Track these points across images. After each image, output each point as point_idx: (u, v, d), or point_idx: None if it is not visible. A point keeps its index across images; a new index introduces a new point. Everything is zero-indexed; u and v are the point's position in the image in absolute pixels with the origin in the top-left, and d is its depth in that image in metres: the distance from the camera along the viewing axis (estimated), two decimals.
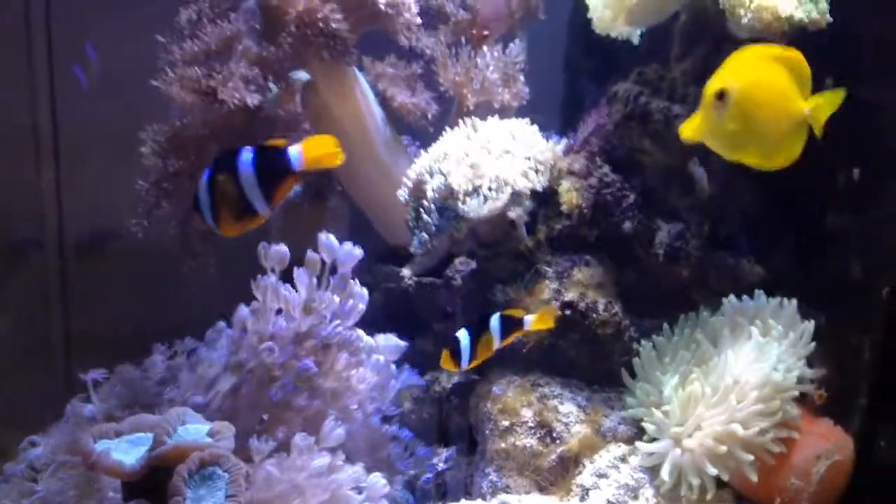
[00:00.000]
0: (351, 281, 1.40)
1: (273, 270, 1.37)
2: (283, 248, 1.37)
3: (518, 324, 1.33)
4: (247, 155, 1.12)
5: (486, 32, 1.73)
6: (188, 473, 1.13)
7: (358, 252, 1.40)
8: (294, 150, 1.13)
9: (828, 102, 1.25)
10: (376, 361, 1.44)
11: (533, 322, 1.33)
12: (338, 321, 1.38)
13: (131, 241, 1.89)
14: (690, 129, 1.26)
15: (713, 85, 1.24)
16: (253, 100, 1.53)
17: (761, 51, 1.27)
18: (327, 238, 1.39)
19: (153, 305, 1.93)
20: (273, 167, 1.13)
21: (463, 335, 1.30)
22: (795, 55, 1.26)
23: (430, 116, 1.74)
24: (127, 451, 1.17)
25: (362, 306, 1.41)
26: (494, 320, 1.31)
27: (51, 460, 1.27)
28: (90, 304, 1.94)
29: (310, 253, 1.39)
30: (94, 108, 1.91)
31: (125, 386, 1.47)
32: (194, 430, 1.21)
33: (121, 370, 1.50)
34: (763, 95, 1.24)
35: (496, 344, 1.32)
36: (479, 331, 1.31)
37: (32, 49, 1.90)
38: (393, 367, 1.48)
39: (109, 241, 1.98)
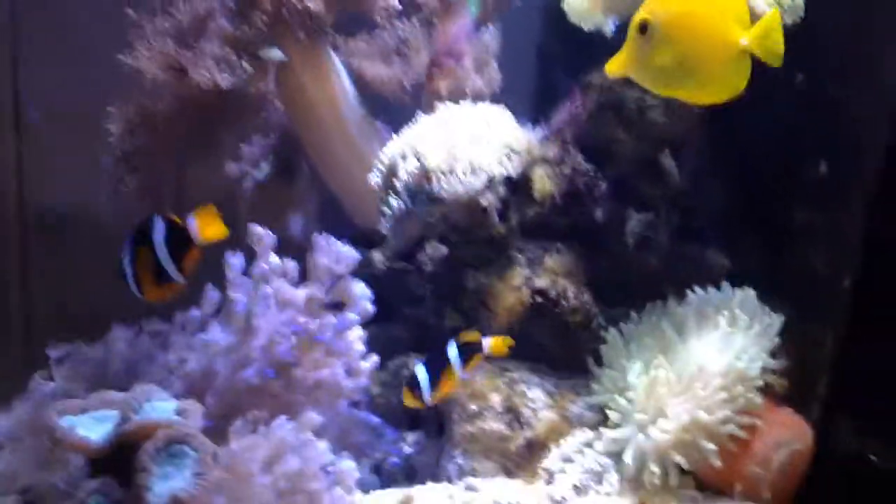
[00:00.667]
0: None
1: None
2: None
3: (477, 348, 1.30)
4: (159, 230, 1.22)
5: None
6: (155, 451, 1.12)
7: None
8: (192, 227, 1.22)
9: (765, 29, 1.18)
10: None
11: (491, 346, 1.31)
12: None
13: (95, 217, 1.86)
14: (616, 65, 1.21)
15: (637, 15, 1.19)
16: (224, 81, 1.51)
17: None
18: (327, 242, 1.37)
19: (117, 284, 1.90)
20: (180, 240, 1.22)
21: (421, 370, 1.27)
22: None
23: (406, 87, 1.72)
24: (92, 428, 1.15)
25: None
26: (452, 349, 1.28)
27: (13, 435, 1.24)
28: (51, 281, 1.91)
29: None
30: (59, 80, 1.88)
31: (88, 364, 1.45)
32: (161, 407, 1.20)
33: (84, 348, 1.47)
34: (691, 26, 1.18)
35: (459, 374, 1.29)
36: (437, 363, 1.27)
37: None
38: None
39: (72, 217, 1.94)
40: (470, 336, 1.31)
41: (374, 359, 1.40)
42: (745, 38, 1.17)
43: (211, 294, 1.41)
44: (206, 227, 1.22)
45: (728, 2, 1.19)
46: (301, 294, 1.34)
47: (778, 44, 1.19)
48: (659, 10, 1.18)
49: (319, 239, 1.36)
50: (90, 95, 1.84)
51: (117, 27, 1.61)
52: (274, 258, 1.35)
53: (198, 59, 1.49)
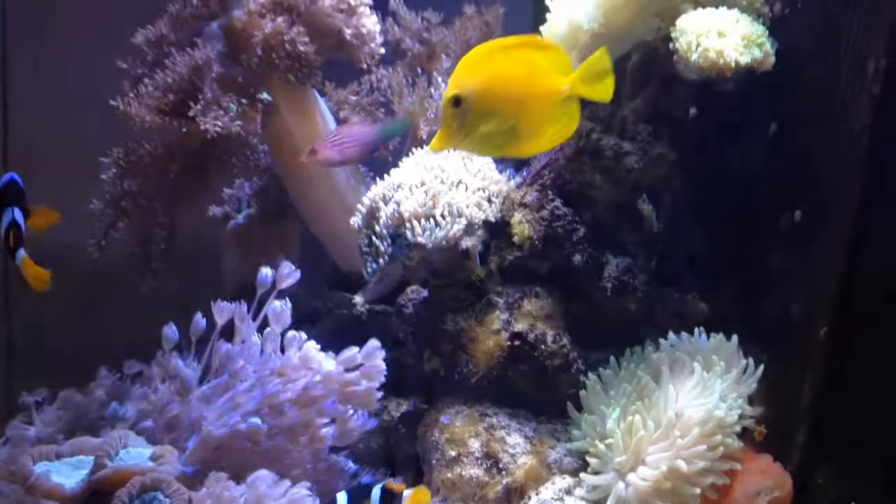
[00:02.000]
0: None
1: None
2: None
3: (397, 499, 1.28)
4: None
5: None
6: (129, 498, 1.12)
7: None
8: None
9: (587, 71, 1.20)
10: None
11: (409, 499, 1.27)
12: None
13: (78, 257, 1.86)
14: (439, 141, 1.22)
15: (448, 92, 1.19)
16: (234, 127, 1.54)
17: (494, 44, 1.23)
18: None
19: (99, 323, 1.91)
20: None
21: (342, 498, 1.25)
22: (534, 38, 1.25)
23: (390, 146, 1.76)
24: (67, 474, 1.15)
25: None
26: (376, 491, 1.26)
27: None
28: (34, 321, 1.91)
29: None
30: (46, 122, 1.90)
31: (68, 409, 1.45)
32: (136, 453, 1.20)
33: (64, 393, 1.47)
34: (504, 89, 1.20)
35: None
36: (359, 499, 1.26)
37: None
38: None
39: (56, 257, 1.94)
40: (395, 486, 1.29)
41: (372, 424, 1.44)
42: (567, 85, 1.20)
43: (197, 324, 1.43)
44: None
45: (543, 53, 1.21)
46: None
47: (604, 82, 1.21)
48: (468, 82, 1.19)
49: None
50: (78, 138, 1.87)
51: (108, 71, 1.64)
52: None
53: (205, 110, 1.50)
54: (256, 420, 1.31)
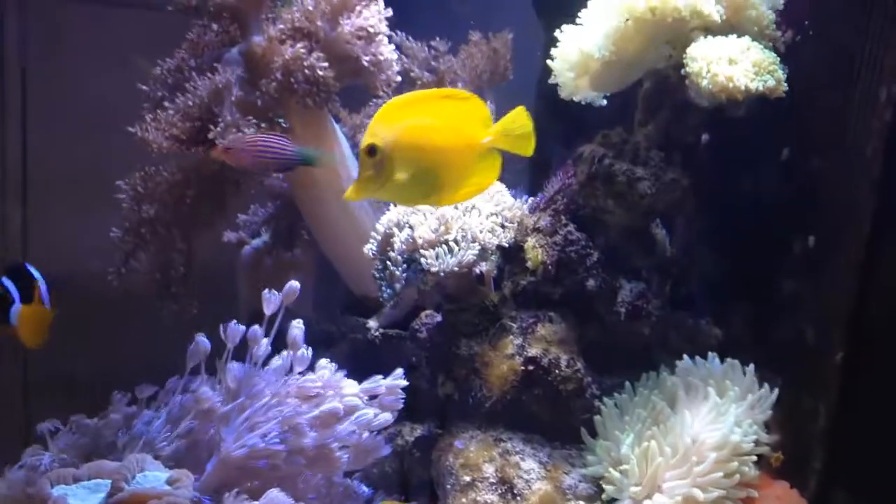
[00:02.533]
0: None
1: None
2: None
3: None
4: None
5: None
6: None
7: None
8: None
9: (507, 125, 1.21)
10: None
11: None
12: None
13: (94, 284, 1.88)
14: (354, 191, 1.22)
15: (363, 141, 1.20)
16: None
17: (414, 95, 1.25)
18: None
19: (114, 350, 1.92)
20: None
21: None
22: (455, 90, 1.26)
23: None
24: (84, 498, 1.16)
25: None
26: None
27: None
28: (50, 348, 1.92)
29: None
30: (65, 150, 1.93)
31: (84, 434, 1.46)
32: (153, 477, 1.20)
33: (75, 418, 1.48)
34: (421, 140, 1.20)
35: None
36: None
37: (5, 89, 1.91)
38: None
39: (73, 284, 1.96)
40: None
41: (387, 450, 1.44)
42: (487, 138, 1.21)
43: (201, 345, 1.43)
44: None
45: (463, 105, 1.22)
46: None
47: (524, 135, 1.23)
48: (385, 133, 1.19)
49: None
50: (95, 163, 1.90)
51: (126, 96, 1.66)
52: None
53: (224, 133, 1.52)
54: (276, 440, 1.31)
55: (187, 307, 1.71)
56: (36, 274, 1.48)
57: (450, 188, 1.23)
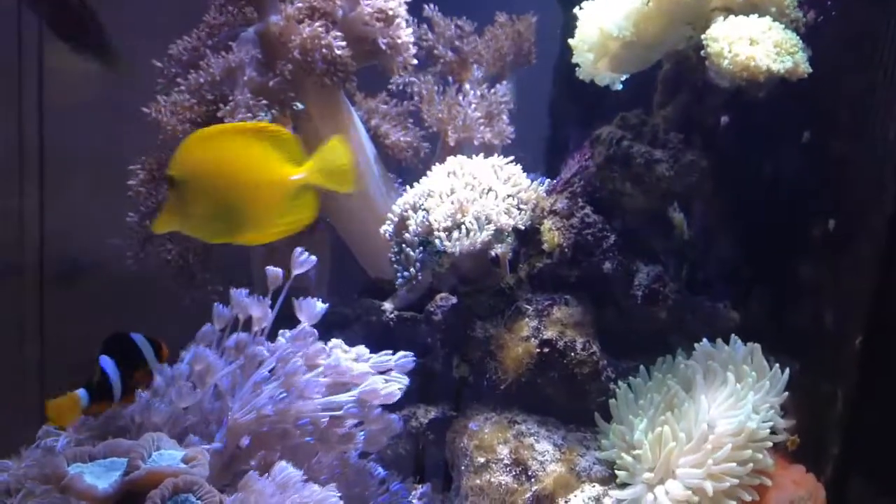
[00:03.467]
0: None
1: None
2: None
3: None
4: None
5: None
6: (161, 500, 1.12)
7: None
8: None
9: (321, 160, 1.19)
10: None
11: None
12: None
13: (111, 268, 1.89)
14: (160, 223, 1.18)
15: (166, 172, 1.17)
16: None
17: (222, 128, 1.22)
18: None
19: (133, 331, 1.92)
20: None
21: None
22: (266, 124, 1.23)
23: (421, 154, 1.76)
24: (100, 476, 1.16)
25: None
26: None
27: (22, 483, 1.25)
28: (68, 331, 1.93)
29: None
30: (81, 133, 1.93)
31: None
32: (169, 455, 1.20)
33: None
34: (225, 175, 1.16)
35: None
36: None
37: (22, 73, 1.91)
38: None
39: (90, 269, 1.97)
40: None
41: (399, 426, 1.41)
42: (297, 175, 1.18)
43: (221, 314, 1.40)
44: None
45: (273, 140, 1.19)
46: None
47: (341, 170, 1.20)
48: (186, 165, 1.16)
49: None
50: (112, 147, 1.90)
51: (145, 80, 1.66)
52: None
53: (234, 111, 1.51)
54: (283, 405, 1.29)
55: (209, 293, 1.71)
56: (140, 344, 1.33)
57: (256, 226, 1.19)
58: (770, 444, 1.35)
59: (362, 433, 1.37)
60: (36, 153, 1.94)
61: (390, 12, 1.59)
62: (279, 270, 1.35)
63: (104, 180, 1.89)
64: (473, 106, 1.73)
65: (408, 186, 1.60)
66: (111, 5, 1.81)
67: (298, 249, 1.34)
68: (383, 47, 1.60)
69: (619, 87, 1.59)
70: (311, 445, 1.34)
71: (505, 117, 1.76)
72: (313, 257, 1.36)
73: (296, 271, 1.34)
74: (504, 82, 1.81)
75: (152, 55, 1.66)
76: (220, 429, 1.30)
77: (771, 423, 1.36)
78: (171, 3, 1.84)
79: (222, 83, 1.56)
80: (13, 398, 1.93)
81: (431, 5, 1.80)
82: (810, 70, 1.39)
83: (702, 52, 1.43)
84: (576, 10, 1.55)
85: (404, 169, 1.81)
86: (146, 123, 1.59)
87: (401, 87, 1.78)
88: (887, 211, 1.38)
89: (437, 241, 1.47)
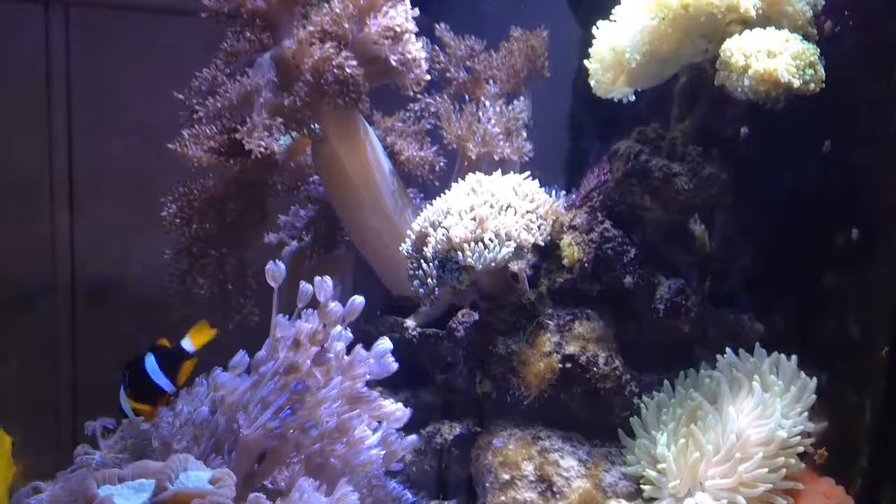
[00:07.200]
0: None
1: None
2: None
3: None
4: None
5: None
6: None
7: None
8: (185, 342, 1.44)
9: None
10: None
11: None
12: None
13: (141, 289, 1.92)
14: None
15: None
16: (278, 146, 1.57)
17: None
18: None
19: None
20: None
21: None
22: None
23: (437, 169, 1.78)
24: (129, 498, 1.18)
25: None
26: None
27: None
28: (99, 351, 1.96)
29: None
30: (110, 155, 1.97)
31: (133, 436, 1.48)
32: (196, 476, 1.22)
33: (126, 422, 1.51)
34: None
35: None
36: None
37: (51, 96, 1.95)
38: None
39: (120, 289, 2.01)
40: None
41: (413, 438, 1.42)
42: None
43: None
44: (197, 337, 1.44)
45: None
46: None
47: None
48: None
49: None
50: (141, 171, 1.94)
51: (168, 103, 1.69)
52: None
53: (251, 131, 1.54)
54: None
55: (249, 316, 1.75)
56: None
57: None
58: (801, 448, 1.34)
59: (382, 451, 1.37)
60: (66, 175, 1.98)
61: (398, 29, 1.61)
62: (310, 288, 1.36)
63: (132, 201, 1.93)
64: (493, 121, 1.75)
65: (427, 204, 1.61)
66: None
67: (318, 278, 1.37)
68: (395, 64, 1.62)
69: (633, 98, 1.59)
70: (334, 467, 1.35)
71: (523, 132, 1.77)
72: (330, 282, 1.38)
73: (320, 298, 1.36)
74: (521, 98, 1.82)
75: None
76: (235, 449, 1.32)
77: (801, 428, 1.35)
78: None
79: (240, 107, 1.59)
80: (46, 419, 1.97)
81: (442, 24, 1.82)
82: (822, 86, 1.37)
83: (716, 64, 1.42)
84: (592, 28, 1.55)
85: (424, 186, 1.82)
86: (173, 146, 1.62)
87: (418, 113, 1.80)
88: None
89: (458, 254, 1.48)
